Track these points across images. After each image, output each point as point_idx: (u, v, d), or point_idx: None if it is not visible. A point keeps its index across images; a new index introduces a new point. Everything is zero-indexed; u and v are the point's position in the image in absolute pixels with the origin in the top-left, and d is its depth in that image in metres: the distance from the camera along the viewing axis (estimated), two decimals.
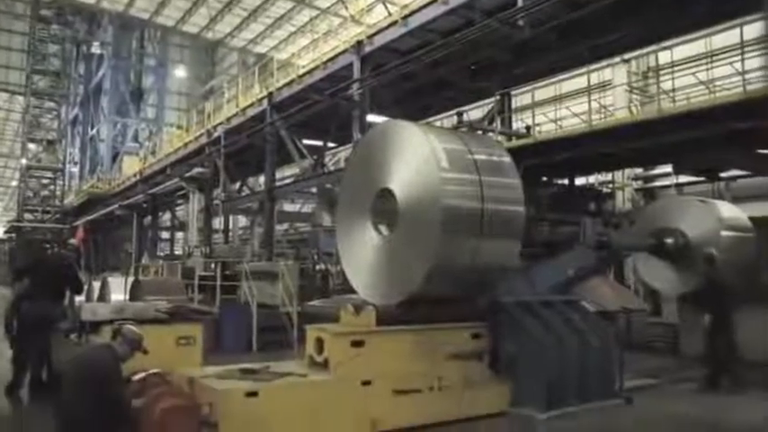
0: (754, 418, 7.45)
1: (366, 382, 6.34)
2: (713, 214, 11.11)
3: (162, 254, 32.30)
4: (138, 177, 30.87)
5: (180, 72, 43.73)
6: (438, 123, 17.98)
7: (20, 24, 42.51)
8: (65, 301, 8.44)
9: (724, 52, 16.56)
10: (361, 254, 7.88)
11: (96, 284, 13.39)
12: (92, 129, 42.67)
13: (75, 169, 45.03)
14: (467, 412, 6.78)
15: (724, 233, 10.77)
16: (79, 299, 9.82)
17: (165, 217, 34.84)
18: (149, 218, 32.10)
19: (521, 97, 18.61)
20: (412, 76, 14.74)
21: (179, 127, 33.09)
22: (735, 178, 15.01)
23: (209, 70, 47.67)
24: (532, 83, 14.91)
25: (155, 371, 5.53)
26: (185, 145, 26.08)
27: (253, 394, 5.66)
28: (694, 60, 17.59)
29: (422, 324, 7.08)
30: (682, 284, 10.81)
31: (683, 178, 16.33)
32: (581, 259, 9.00)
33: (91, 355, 5.26)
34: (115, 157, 38.57)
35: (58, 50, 40.84)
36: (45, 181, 40.99)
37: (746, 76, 9.82)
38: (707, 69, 16.76)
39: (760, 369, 9.58)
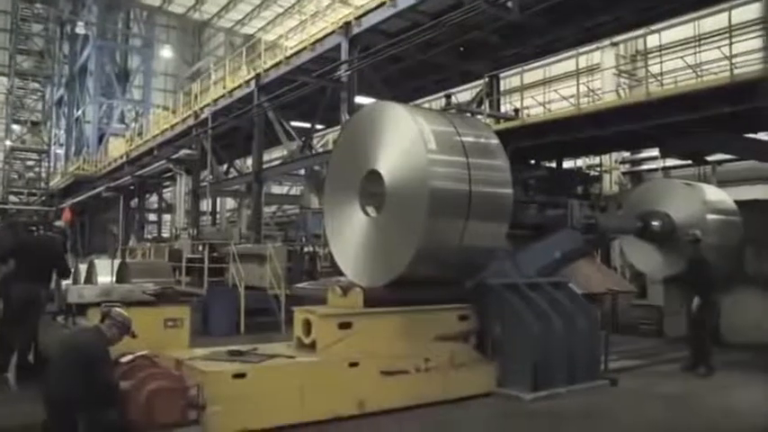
0: (736, 399, 7.55)
1: (353, 364, 6.37)
2: (699, 197, 11.21)
3: (149, 236, 32.12)
4: (124, 159, 30.60)
5: (166, 53, 43.19)
6: (426, 105, 17.92)
7: (2, 2, 41.77)
8: (51, 283, 8.39)
9: (712, 36, 16.59)
10: (349, 236, 7.89)
11: (83, 267, 13.34)
12: (77, 110, 42.09)
13: (61, 151, 44.47)
14: (453, 393, 6.83)
15: (709, 216, 10.87)
16: (66, 282, 9.76)
17: (152, 199, 34.63)
18: (136, 200, 31.90)
19: (509, 80, 18.55)
20: (400, 58, 14.67)
21: (165, 108, 32.74)
22: (721, 162, 15.11)
23: (196, 51, 47.15)
24: (521, 65, 14.85)
25: (142, 353, 5.52)
26: (172, 127, 25.86)
27: (240, 376, 5.69)
28: (682, 44, 17.61)
29: (409, 306, 7.13)
30: (667, 267, 10.91)
31: (669, 162, 16.43)
32: (568, 242, 9.05)
33: (78, 338, 5.25)
34: (101, 138, 38.13)
35: (42, 30, 40.18)
36: (30, 163, 40.59)
37: (734, 61, 9.83)
38: (695, 53, 16.79)
39: (743, 350, 9.74)
